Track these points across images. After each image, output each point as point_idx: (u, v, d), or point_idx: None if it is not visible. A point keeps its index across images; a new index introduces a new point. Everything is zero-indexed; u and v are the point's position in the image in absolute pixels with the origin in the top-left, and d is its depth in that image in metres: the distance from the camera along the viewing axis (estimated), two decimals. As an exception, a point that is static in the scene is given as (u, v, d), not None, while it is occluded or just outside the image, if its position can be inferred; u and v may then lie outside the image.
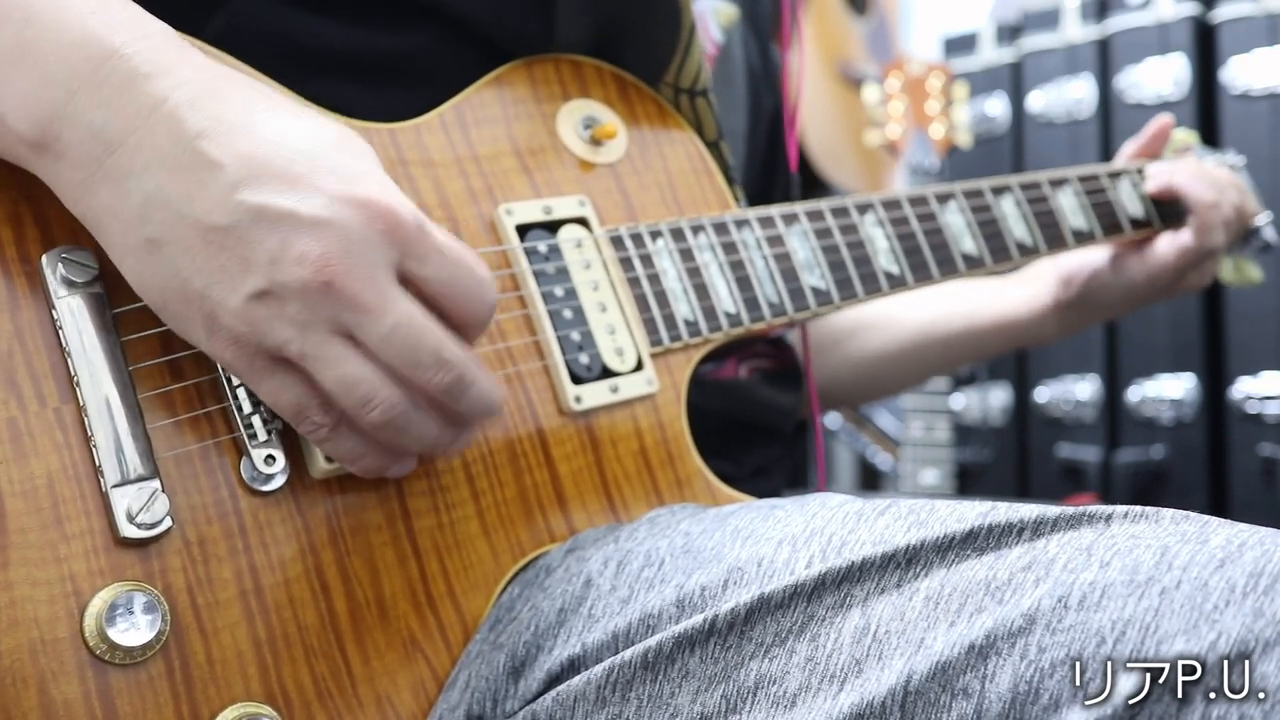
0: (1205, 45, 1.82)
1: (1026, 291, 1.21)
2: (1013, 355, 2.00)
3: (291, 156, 0.59)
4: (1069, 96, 1.94)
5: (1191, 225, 1.11)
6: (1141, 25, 1.87)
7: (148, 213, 0.58)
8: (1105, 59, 1.92)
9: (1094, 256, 1.17)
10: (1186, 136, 1.24)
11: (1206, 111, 1.81)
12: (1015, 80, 2.03)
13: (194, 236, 0.58)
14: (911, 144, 1.83)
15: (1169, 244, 1.13)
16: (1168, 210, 1.14)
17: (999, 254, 1.00)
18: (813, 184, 2.46)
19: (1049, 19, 1.99)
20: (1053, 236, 1.05)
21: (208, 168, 0.58)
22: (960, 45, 2.12)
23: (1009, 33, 2.06)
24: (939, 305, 1.24)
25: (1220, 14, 1.80)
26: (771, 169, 1.14)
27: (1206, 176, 1.13)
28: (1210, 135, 1.80)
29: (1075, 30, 1.96)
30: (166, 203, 0.58)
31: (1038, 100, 1.98)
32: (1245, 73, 1.76)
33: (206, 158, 0.58)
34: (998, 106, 2.03)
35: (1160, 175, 1.13)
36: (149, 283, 0.60)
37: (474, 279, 0.63)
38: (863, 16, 2.76)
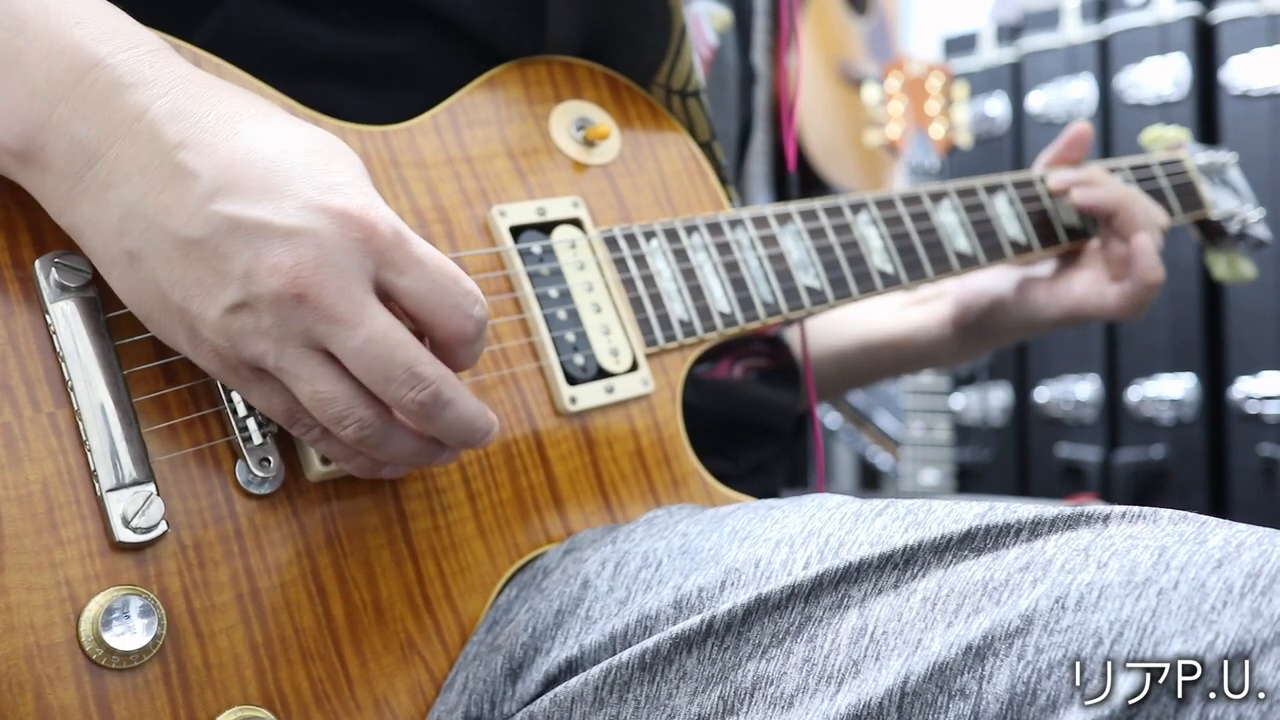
0: (1205, 45, 1.82)
1: (924, 311, 1.17)
2: (1013, 355, 1.99)
3: (269, 165, 0.58)
4: (1069, 96, 1.94)
5: (1123, 292, 1.06)
6: (1141, 25, 1.87)
7: (127, 225, 0.58)
8: (1105, 59, 1.92)
9: (998, 282, 1.12)
10: (1178, 134, 1.24)
11: (1206, 111, 1.81)
12: (1015, 80, 2.03)
13: (171, 249, 0.58)
14: (911, 144, 1.83)
15: (1089, 297, 1.07)
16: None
17: (993, 252, 1.00)
18: (813, 184, 2.46)
19: (1049, 19, 1.99)
20: (1045, 235, 1.05)
21: (184, 178, 0.58)
22: (960, 45, 2.12)
23: (1009, 33, 2.06)
24: (836, 322, 1.20)
25: (1220, 14, 1.80)
26: (740, 162, 1.12)
27: (1146, 221, 1.06)
28: (1210, 135, 1.80)
29: (1075, 30, 1.95)
30: (144, 215, 0.58)
31: (1038, 100, 1.97)
32: (1245, 73, 1.75)
33: (184, 168, 0.58)
34: (998, 106, 2.03)
35: (1097, 198, 1.05)
36: (132, 294, 0.60)
37: (458, 291, 0.61)
38: (863, 16, 2.75)
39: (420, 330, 0.62)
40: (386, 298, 0.60)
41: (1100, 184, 1.06)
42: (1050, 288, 1.09)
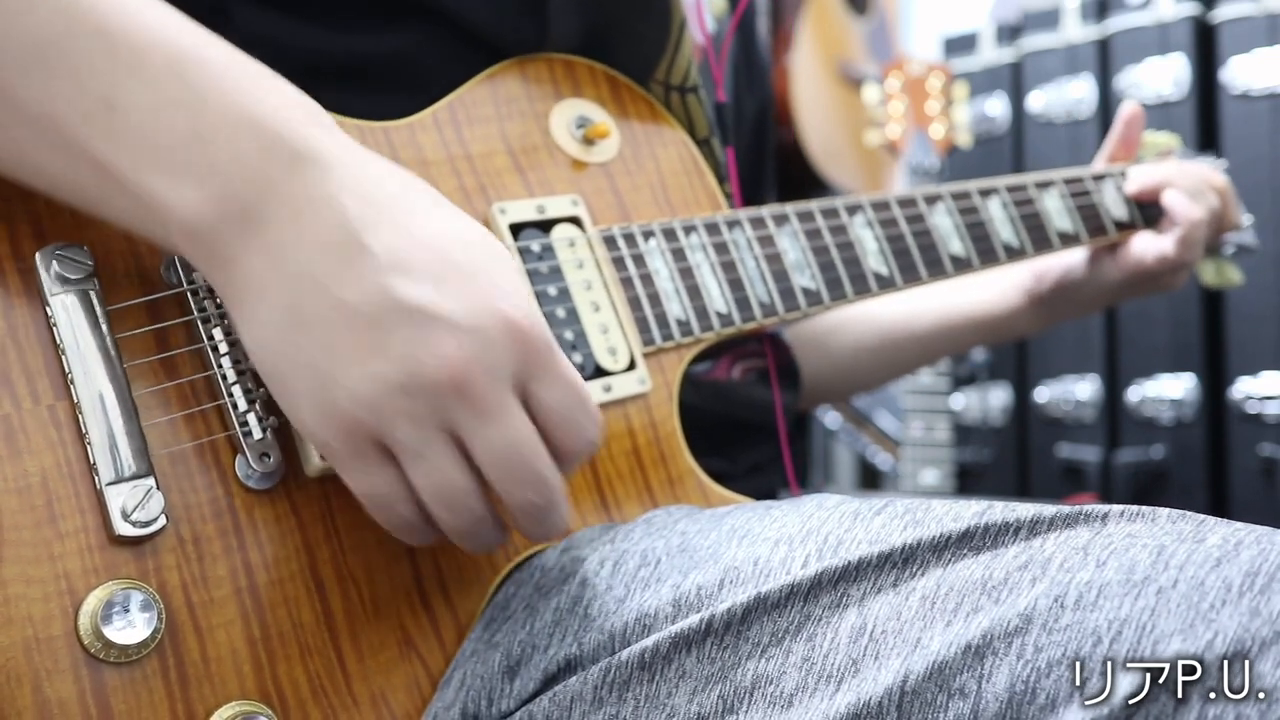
0: (1205, 45, 1.82)
1: (999, 287, 1.23)
2: (1013, 355, 2.00)
3: (442, 257, 0.59)
4: (1069, 96, 1.94)
5: (1174, 237, 1.12)
6: (1141, 25, 1.87)
7: (298, 286, 0.58)
8: (1105, 59, 1.92)
9: (1068, 255, 1.18)
10: (1169, 140, 1.24)
11: (1206, 111, 1.81)
12: (1015, 80, 2.03)
13: (336, 316, 0.58)
14: (911, 144, 1.83)
15: (1148, 249, 1.14)
16: (1150, 211, 1.15)
17: (986, 256, 1.01)
18: (813, 184, 2.46)
19: (1049, 19, 1.99)
20: (1039, 239, 1.05)
21: (361, 253, 0.58)
22: (960, 45, 2.12)
23: (1009, 33, 2.06)
24: (913, 301, 1.25)
25: (1220, 14, 1.80)
26: (759, 168, 1.14)
27: (1193, 188, 1.14)
28: (1210, 135, 1.80)
29: (1075, 30, 1.96)
30: (316, 280, 0.58)
31: (1038, 100, 1.97)
32: (1245, 73, 1.75)
33: (361, 243, 0.58)
34: (998, 106, 2.03)
35: (1145, 180, 1.14)
36: (274, 351, 0.59)
37: (586, 413, 0.62)
38: (863, 16, 2.75)
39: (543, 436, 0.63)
40: (524, 403, 0.61)
41: (1150, 172, 1.15)
42: (1114, 255, 1.16)
